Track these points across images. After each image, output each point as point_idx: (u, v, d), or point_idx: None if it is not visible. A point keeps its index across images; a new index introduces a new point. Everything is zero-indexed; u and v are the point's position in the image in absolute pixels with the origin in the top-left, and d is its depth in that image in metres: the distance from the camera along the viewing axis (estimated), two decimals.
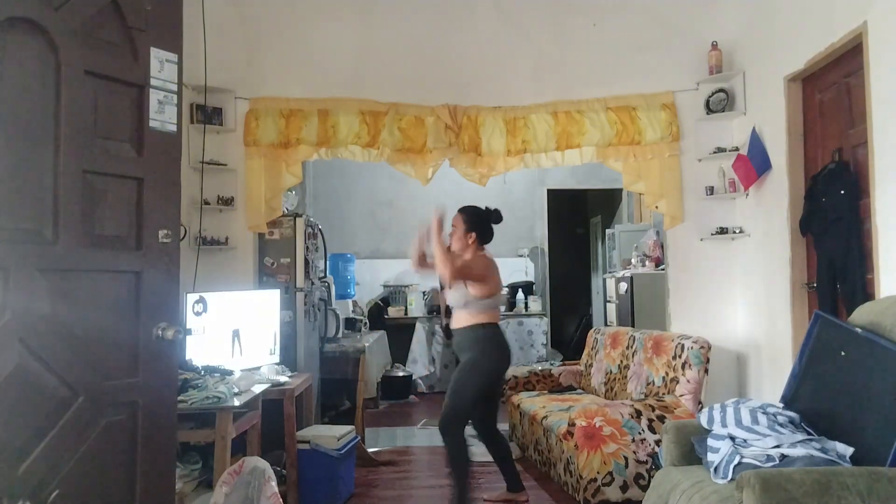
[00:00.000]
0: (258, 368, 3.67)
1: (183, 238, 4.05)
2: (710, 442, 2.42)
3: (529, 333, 7.33)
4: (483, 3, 4.61)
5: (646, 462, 3.47)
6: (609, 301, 6.59)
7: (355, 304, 6.62)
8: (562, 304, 9.17)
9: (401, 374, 6.88)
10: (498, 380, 3.52)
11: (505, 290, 7.70)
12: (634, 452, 3.48)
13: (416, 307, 7.42)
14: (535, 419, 4.20)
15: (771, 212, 4.01)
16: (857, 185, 3.29)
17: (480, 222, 3.46)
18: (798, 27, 3.68)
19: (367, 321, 6.45)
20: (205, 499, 2.85)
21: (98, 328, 1.88)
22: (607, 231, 7.44)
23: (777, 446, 2.23)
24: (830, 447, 2.19)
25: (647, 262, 5.58)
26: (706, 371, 3.74)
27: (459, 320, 3.40)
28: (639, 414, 3.54)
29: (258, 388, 3.26)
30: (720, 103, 4.40)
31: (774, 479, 1.89)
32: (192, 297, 3.46)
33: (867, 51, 3.09)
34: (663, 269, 4.77)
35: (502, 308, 3.57)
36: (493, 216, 3.49)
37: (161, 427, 2.03)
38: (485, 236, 3.47)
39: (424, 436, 5.20)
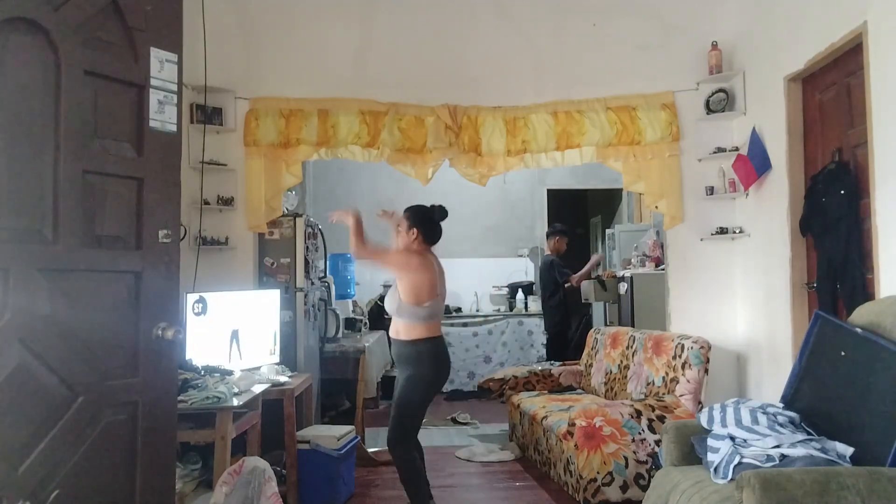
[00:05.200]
0: (258, 368, 3.68)
1: (183, 238, 4.05)
2: (710, 442, 2.42)
3: (529, 333, 7.33)
4: (483, 3, 4.62)
5: (646, 462, 3.47)
6: (609, 301, 6.58)
7: (355, 304, 6.61)
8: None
9: None
10: (438, 391, 3.34)
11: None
12: (634, 452, 3.48)
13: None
14: (535, 419, 4.20)
15: (771, 212, 4.01)
16: (857, 185, 3.29)
17: (424, 219, 3.26)
18: (798, 27, 3.68)
19: (367, 321, 6.45)
20: (205, 499, 2.85)
21: (98, 328, 1.88)
22: (607, 231, 7.42)
23: (777, 446, 2.23)
24: (830, 447, 2.19)
25: (647, 262, 5.57)
26: (706, 371, 3.74)
27: (398, 331, 3.22)
28: (639, 414, 3.54)
29: (258, 388, 3.26)
30: (720, 103, 4.40)
31: (774, 479, 1.89)
32: (192, 297, 3.46)
33: (867, 51, 3.09)
34: (663, 269, 4.77)
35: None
36: (438, 213, 3.29)
37: (161, 427, 2.03)
38: (430, 234, 3.27)
39: (424, 436, 5.17)
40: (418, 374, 3.17)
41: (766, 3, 4.05)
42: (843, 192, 3.33)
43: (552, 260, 6.03)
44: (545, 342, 6.65)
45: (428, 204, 3.37)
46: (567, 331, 6.27)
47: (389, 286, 7.93)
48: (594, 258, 6.40)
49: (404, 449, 3.17)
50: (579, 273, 6.05)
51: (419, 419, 3.26)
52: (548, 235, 6.27)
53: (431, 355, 3.19)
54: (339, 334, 5.14)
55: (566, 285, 5.99)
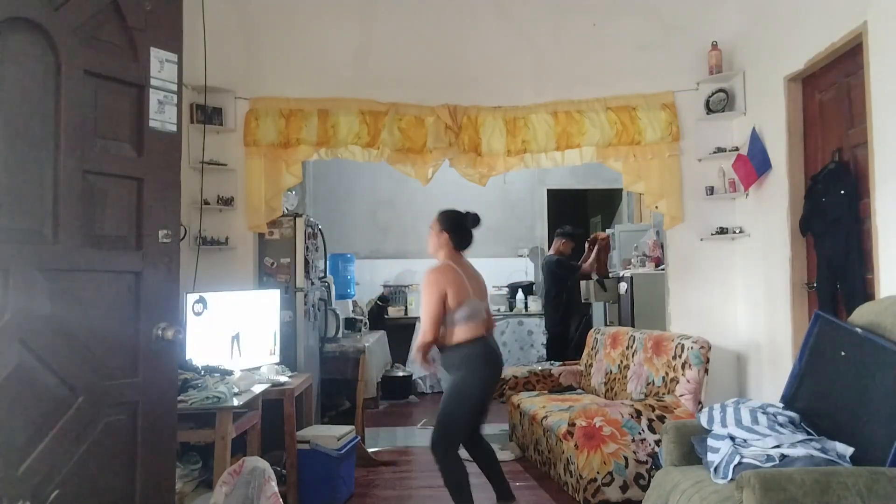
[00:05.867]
0: (258, 368, 3.68)
1: (183, 238, 4.05)
2: (710, 442, 2.42)
3: (529, 333, 7.33)
4: (483, 3, 4.62)
5: (646, 462, 3.47)
6: (609, 301, 6.58)
7: (355, 304, 6.61)
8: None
9: (401, 374, 6.88)
10: (490, 392, 3.30)
11: (502, 291, 7.71)
12: (634, 452, 3.48)
13: (416, 307, 7.42)
14: (535, 419, 4.20)
15: (771, 212, 4.01)
16: (857, 185, 3.29)
17: (455, 225, 3.27)
18: (798, 27, 3.68)
19: (367, 321, 6.45)
20: (205, 499, 2.85)
21: (98, 328, 1.88)
22: (607, 231, 7.43)
23: (777, 446, 2.23)
24: (830, 447, 2.19)
25: (647, 262, 5.57)
26: (706, 371, 3.74)
27: (442, 337, 3.19)
28: (639, 414, 3.54)
29: (258, 388, 3.26)
30: (720, 103, 4.40)
31: (774, 479, 1.89)
32: (192, 297, 3.46)
33: (867, 51, 3.09)
34: (663, 269, 4.77)
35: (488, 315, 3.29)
36: (471, 220, 3.30)
37: (161, 427, 2.03)
38: (460, 239, 3.28)
39: (424, 436, 5.18)
40: (464, 379, 3.11)
41: (766, 3, 4.05)
42: (843, 192, 3.33)
43: (557, 259, 5.98)
44: (545, 342, 6.64)
45: (462, 210, 3.36)
46: (567, 331, 6.26)
47: (390, 286, 7.99)
48: (599, 239, 6.14)
49: (445, 454, 3.09)
50: (589, 259, 5.99)
51: (462, 425, 3.14)
52: (556, 236, 6.18)
53: (478, 356, 3.13)
54: (339, 334, 5.14)
55: (580, 271, 5.92)
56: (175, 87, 2.09)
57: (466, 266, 3.28)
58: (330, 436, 3.64)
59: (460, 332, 3.13)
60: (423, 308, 3.15)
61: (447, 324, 3.14)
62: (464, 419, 3.14)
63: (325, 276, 5.04)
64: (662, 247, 4.97)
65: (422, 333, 3.15)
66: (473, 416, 3.20)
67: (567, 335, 6.24)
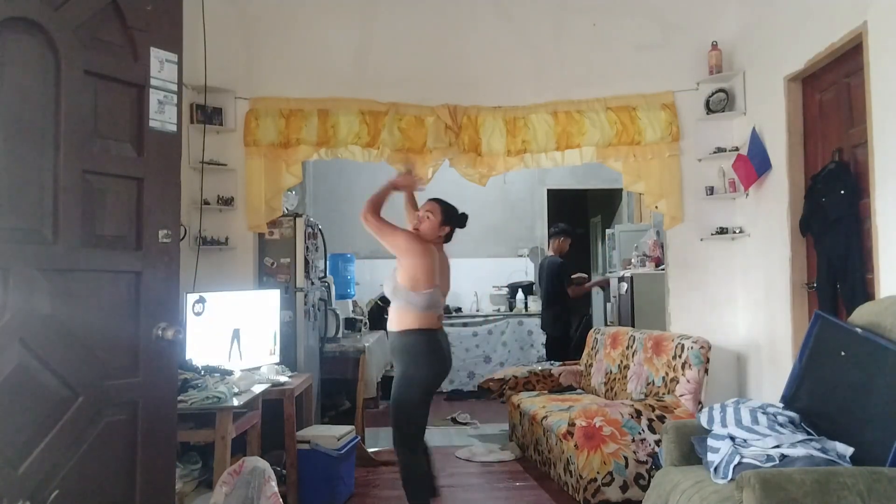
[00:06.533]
0: (258, 368, 3.68)
1: (183, 238, 4.05)
2: (710, 442, 2.42)
3: (529, 333, 7.33)
4: (483, 3, 4.62)
5: (646, 462, 3.47)
6: (609, 301, 6.59)
7: (355, 304, 6.61)
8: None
9: None
10: (434, 388, 3.14)
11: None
12: (634, 452, 3.48)
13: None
14: (535, 419, 4.20)
15: (771, 212, 4.01)
16: (857, 185, 3.29)
17: (456, 222, 3.27)
18: (798, 27, 3.68)
19: (368, 321, 6.45)
20: (205, 499, 2.85)
21: (98, 328, 1.88)
22: (607, 231, 7.43)
23: (777, 446, 2.23)
24: (830, 447, 2.19)
25: (647, 262, 5.57)
26: (706, 371, 3.74)
27: (392, 320, 3.10)
28: (639, 414, 3.54)
29: (258, 388, 3.26)
30: (720, 103, 4.40)
31: (774, 479, 1.89)
32: (192, 297, 3.46)
33: (867, 51, 3.09)
34: (663, 269, 4.77)
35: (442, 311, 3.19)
36: (464, 220, 3.31)
37: (161, 427, 2.03)
38: (451, 235, 3.29)
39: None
40: (409, 373, 3.01)
41: (766, 3, 4.05)
42: (843, 192, 3.33)
43: (561, 262, 5.98)
44: (544, 342, 6.64)
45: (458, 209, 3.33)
46: (567, 331, 6.26)
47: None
48: (599, 280, 6.69)
49: (405, 452, 3.03)
50: (582, 287, 6.13)
51: (418, 421, 3.07)
52: (551, 235, 6.19)
53: (424, 350, 3.02)
54: (339, 334, 5.14)
55: (571, 285, 5.99)
56: (175, 87, 2.09)
57: (444, 259, 3.27)
58: (330, 436, 3.64)
59: (416, 319, 3.02)
60: (407, 255, 3.06)
61: (404, 302, 3.04)
62: (416, 412, 3.03)
63: (325, 276, 5.04)
64: (662, 247, 4.97)
65: (384, 229, 3.10)
66: (424, 407, 3.07)
67: (567, 335, 6.24)
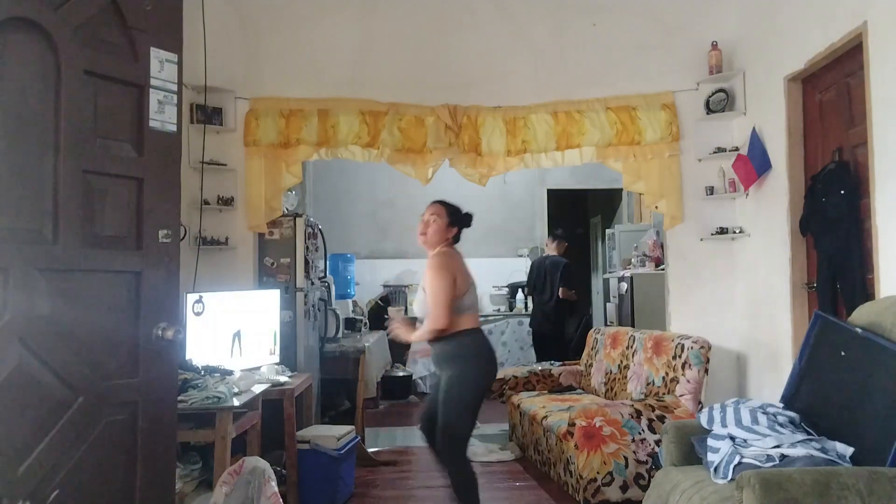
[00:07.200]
0: (258, 368, 3.68)
1: (183, 238, 4.05)
2: (710, 442, 2.42)
3: (529, 333, 7.33)
4: (483, 3, 4.61)
5: (646, 462, 3.47)
6: (609, 301, 6.59)
7: (355, 304, 6.62)
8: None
9: (401, 374, 6.88)
10: (489, 387, 3.12)
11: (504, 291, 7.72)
12: (634, 452, 3.48)
13: (417, 307, 7.41)
14: (535, 419, 4.20)
15: (771, 212, 4.01)
16: (857, 185, 3.29)
17: (463, 223, 3.18)
18: (798, 27, 3.68)
19: (368, 321, 6.46)
20: (205, 499, 2.85)
21: (98, 328, 1.88)
22: (607, 231, 7.43)
23: (777, 446, 2.23)
24: (830, 447, 2.19)
25: (647, 262, 5.58)
26: (706, 371, 3.74)
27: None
28: (639, 414, 3.54)
29: (258, 388, 3.26)
30: (720, 103, 4.40)
31: (774, 479, 1.89)
32: (192, 297, 3.46)
33: (867, 51, 3.09)
34: (663, 269, 4.77)
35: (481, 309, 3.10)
36: (468, 220, 3.20)
37: (161, 427, 2.03)
38: (458, 236, 3.19)
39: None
40: (463, 374, 2.90)
41: (766, 3, 4.05)
42: (843, 192, 3.33)
43: (566, 263, 6.04)
44: (532, 342, 6.61)
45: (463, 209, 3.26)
46: (565, 331, 6.29)
47: (390, 286, 7.99)
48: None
49: (455, 460, 2.93)
50: (571, 293, 6.12)
51: (472, 424, 2.96)
52: (554, 238, 6.27)
53: (475, 349, 2.96)
54: (339, 334, 5.14)
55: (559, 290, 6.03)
56: (175, 87, 2.08)
57: (460, 256, 3.18)
58: (330, 436, 3.64)
59: (466, 320, 2.96)
60: (432, 293, 2.92)
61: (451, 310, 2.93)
62: (469, 418, 2.95)
63: (325, 276, 5.04)
64: (662, 247, 4.97)
65: (433, 319, 2.92)
66: (477, 410, 2.98)
67: (564, 336, 6.28)
